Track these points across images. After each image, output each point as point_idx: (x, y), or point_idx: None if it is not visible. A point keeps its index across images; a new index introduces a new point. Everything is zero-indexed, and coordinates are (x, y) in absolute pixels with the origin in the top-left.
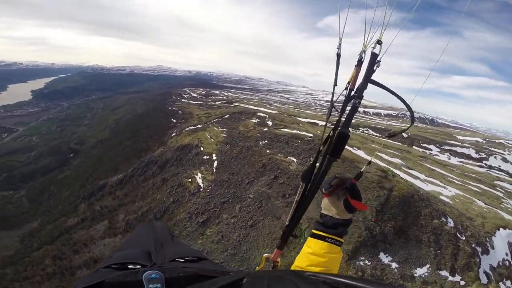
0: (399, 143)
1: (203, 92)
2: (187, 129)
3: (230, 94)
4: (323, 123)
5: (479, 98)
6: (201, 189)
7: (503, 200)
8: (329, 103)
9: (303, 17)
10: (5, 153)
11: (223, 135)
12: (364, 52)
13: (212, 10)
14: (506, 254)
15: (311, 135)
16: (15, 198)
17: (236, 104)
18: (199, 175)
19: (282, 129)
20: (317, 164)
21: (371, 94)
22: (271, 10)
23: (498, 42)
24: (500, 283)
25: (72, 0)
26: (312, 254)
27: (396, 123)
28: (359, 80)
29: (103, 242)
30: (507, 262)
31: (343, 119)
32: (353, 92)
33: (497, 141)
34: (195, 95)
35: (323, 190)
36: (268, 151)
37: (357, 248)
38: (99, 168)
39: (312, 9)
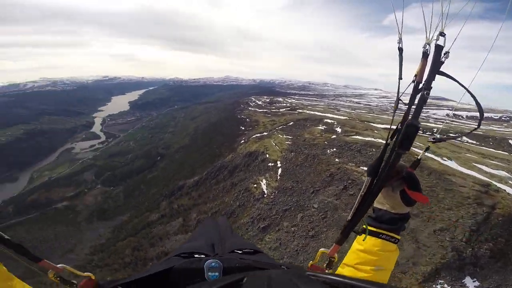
0: (505, 153)
1: (267, 100)
2: (254, 136)
3: (294, 100)
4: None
5: None
6: (265, 195)
7: None
8: (398, 98)
9: (364, 16)
10: (110, 155)
11: (288, 142)
12: (429, 44)
13: (268, 19)
14: None
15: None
16: (114, 194)
17: (300, 110)
18: (264, 181)
19: (353, 136)
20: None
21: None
22: (328, 13)
23: None
24: None
25: (150, 18)
26: (362, 252)
27: (498, 127)
28: (426, 72)
29: (176, 238)
30: None
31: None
32: (420, 85)
33: None
34: (260, 103)
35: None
36: (337, 159)
37: (437, 270)
38: (180, 171)
39: (373, 7)
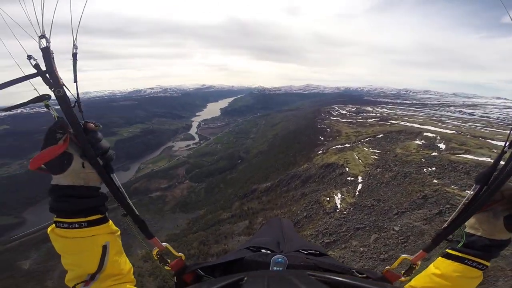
0: None
1: (353, 109)
2: (333, 147)
3: (386, 110)
4: None
5: None
6: (337, 210)
7: None
8: None
9: (477, 13)
10: (200, 155)
11: (374, 156)
12: None
13: (351, 23)
14: None
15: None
16: (197, 189)
17: (392, 121)
18: (339, 195)
19: (461, 155)
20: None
21: None
22: (426, 11)
23: None
24: None
25: (237, 30)
26: (438, 276)
27: None
28: None
29: (239, 239)
30: None
31: None
32: None
33: None
34: (344, 112)
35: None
36: (435, 180)
37: None
38: (255, 175)
39: (487, 3)
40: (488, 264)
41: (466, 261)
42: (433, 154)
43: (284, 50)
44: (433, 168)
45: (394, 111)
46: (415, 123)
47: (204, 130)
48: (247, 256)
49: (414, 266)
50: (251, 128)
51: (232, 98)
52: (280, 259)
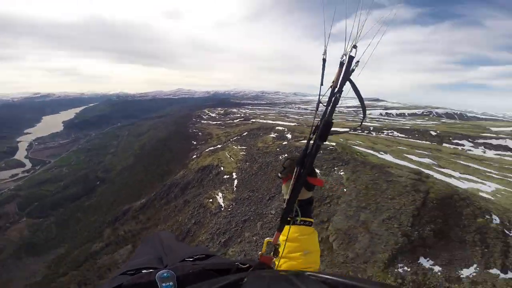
0: (427, 142)
1: (222, 112)
2: (207, 150)
3: (248, 110)
4: (345, 129)
5: (508, 86)
6: (222, 209)
7: None
8: (319, 101)
9: (317, 25)
10: (37, 183)
11: (242, 153)
12: (346, 55)
13: (227, 30)
14: None
15: (334, 143)
16: (44, 225)
17: (253, 120)
18: (220, 194)
19: (302, 141)
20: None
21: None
22: (284, 23)
23: None
24: None
25: (98, 30)
26: (288, 241)
27: (421, 121)
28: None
29: None
30: None
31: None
32: (336, 89)
33: None
34: (213, 115)
35: (280, 175)
36: None
37: (395, 256)
38: (123, 194)
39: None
40: (311, 220)
41: (296, 222)
42: (284, 143)
43: (156, 53)
44: (286, 155)
45: (254, 111)
46: (269, 120)
47: (38, 152)
48: (126, 281)
49: (277, 246)
50: (109, 141)
51: (81, 108)
52: (165, 274)
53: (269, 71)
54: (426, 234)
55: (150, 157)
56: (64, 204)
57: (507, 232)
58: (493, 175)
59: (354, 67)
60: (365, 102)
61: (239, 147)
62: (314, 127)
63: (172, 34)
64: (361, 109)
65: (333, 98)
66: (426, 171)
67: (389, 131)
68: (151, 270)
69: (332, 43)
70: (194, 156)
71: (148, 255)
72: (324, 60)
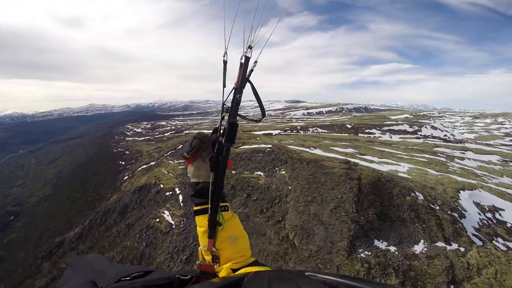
0: (346, 134)
1: (148, 126)
2: (139, 169)
3: (178, 122)
4: (277, 131)
5: (396, 81)
6: (173, 226)
7: (448, 164)
8: (223, 103)
9: (238, 32)
10: None
11: (181, 167)
12: (244, 56)
13: (142, 38)
14: (479, 214)
15: (270, 145)
16: None
17: (187, 132)
18: (167, 212)
19: (241, 147)
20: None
21: (311, 95)
22: (206, 30)
23: (396, 30)
24: (494, 242)
25: None
26: (204, 235)
27: (337, 117)
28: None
29: None
30: (485, 221)
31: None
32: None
33: (421, 114)
34: (139, 130)
35: (186, 154)
36: (233, 171)
37: (353, 242)
38: (50, 226)
39: (243, 24)
40: (227, 204)
41: (212, 209)
42: None
43: (56, 66)
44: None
45: (186, 122)
46: (204, 130)
47: None
48: None
49: (214, 253)
50: (13, 172)
51: None
52: None
53: (195, 80)
54: (371, 217)
55: (72, 184)
56: None
57: (433, 206)
58: (404, 156)
59: (253, 67)
60: (289, 104)
61: (176, 162)
62: (221, 130)
63: (74, 44)
64: (287, 110)
65: (235, 99)
66: (352, 160)
67: (314, 128)
68: None
69: (256, 49)
70: (126, 177)
71: (78, 279)
72: (225, 62)
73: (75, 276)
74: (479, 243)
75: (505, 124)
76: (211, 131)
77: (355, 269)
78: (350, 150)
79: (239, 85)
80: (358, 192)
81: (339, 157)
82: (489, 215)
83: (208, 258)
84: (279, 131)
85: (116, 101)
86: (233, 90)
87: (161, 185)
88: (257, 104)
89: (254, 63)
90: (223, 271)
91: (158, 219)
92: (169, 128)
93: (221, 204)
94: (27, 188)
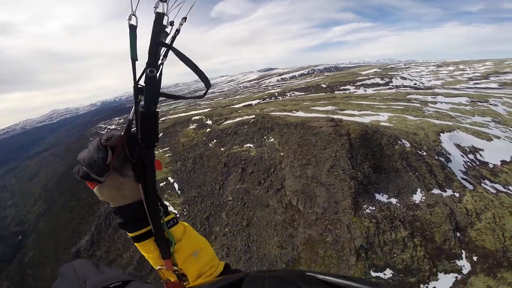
0: (323, 94)
1: (121, 120)
2: None
3: None
4: (256, 101)
5: (359, 39)
6: (177, 215)
7: (423, 109)
8: (136, 83)
9: (194, 12)
10: None
11: (168, 155)
12: (155, 13)
13: (89, 34)
14: (462, 156)
15: (253, 115)
16: None
17: (164, 118)
18: (166, 203)
19: (224, 123)
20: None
21: (282, 62)
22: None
23: None
24: (483, 185)
25: None
26: (157, 257)
27: (311, 78)
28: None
29: None
30: (469, 164)
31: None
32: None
33: (389, 67)
34: (113, 126)
35: (95, 175)
36: (222, 149)
37: (356, 199)
38: (60, 238)
39: (198, 2)
40: (172, 216)
41: (157, 230)
42: (208, 130)
43: (2, 77)
44: (215, 140)
45: (159, 109)
46: (181, 113)
47: None
48: None
49: (178, 272)
50: None
51: None
52: None
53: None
54: (367, 171)
55: (63, 195)
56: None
57: (420, 153)
58: (381, 106)
59: (178, 28)
60: (262, 73)
61: (161, 150)
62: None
63: (11, 52)
64: (261, 79)
65: (147, 77)
66: (335, 117)
67: (291, 92)
68: None
69: (219, 24)
70: None
71: None
72: (132, 27)
73: (64, 285)
74: (470, 187)
75: (467, 70)
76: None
77: (364, 225)
78: (330, 108)
79: (150, 52)
80: (350, 148)
81: (323, 115)
82: (471, 156)
83: (173, 277)
84: (258, 100)
85: (79, 102)
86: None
87: None
88: (230, 79)
89: (183, 19)
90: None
91: None
92: None
93: (166, 219)
94: (20, 207)
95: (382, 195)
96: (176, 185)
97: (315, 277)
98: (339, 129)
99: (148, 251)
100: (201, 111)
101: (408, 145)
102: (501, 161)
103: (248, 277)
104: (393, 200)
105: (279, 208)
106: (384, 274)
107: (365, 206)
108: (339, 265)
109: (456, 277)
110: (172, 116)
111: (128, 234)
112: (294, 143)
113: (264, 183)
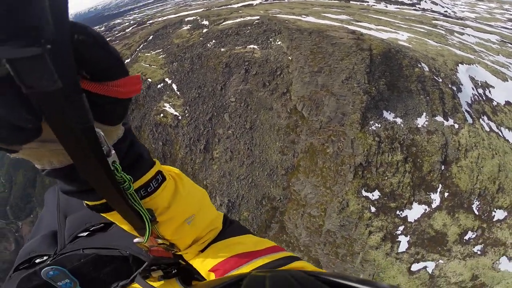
0: (336, 1)
1: (102, 29)
2: None
3: (136, 16)
4: (258, 1)
5: None
6: (180, 118)
7: (447, 37)
8: None
9: None
10: None
11: (162, 56)
12: None
13: None
14: (473, 89)
15: (257, 16)
16: None
17: (151, 21)
18: (167, 105)
19: (224, 23)
20: None
21: None
22: None
23: None
24: (481, 121)
25: None
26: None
27: None
28: None
29: None
30: (476, 97)
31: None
32: None
33: None
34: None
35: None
36: (222, 49)
37: (364, 114)
38: None
39: None
40: (157, 168)
41: (142, 190)
42: (204, 30)
43: None
44: (214, 41)
45: (144, 13)
46: (170, 15)
47: None
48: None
49: (164, 245)
50: None
51: None
52: (52, 272)
53: None
54: (381, 88)
55: None
56: None
57: (437, 79)
58: (402, 26)
59: None
60: None
61: (153, 53)
62: None
63: None
64: None
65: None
66: (350, 27)
67: None
68: (45, 258)
69: None
70: None
71: (45, 229)
72: None
73: (45, 220)
74: (470, 120)
75: (511, 11)
76: None
77: (368, 143)
78: (344, 17)
79: None
80: (370, 63)
81: (338, 24)
82: (480, 90)
83: (159, 248)
84: (259, 0)
85: None
86: None
87: (149, 79)
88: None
89: None
90: (190, 255)
91: (161, 114)
92: (128, 23)
93: (140, 181)
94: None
95: (390, 113)
96: (174, 86)
97: (315, 277)
98: (361, 43)
99: (118, 220)
100: (194, 11)
101: (427, 69)
102: (505, 101)
103: (248, 278)
104: (398, 120)
105: (282, 112)
106: (372, 195)
107: (372, 122)
108: (336, 179)
109: (425, 209)
110: (159, 19)
111: (85, 202)
112: (307, 49)
113: (268, 85)
